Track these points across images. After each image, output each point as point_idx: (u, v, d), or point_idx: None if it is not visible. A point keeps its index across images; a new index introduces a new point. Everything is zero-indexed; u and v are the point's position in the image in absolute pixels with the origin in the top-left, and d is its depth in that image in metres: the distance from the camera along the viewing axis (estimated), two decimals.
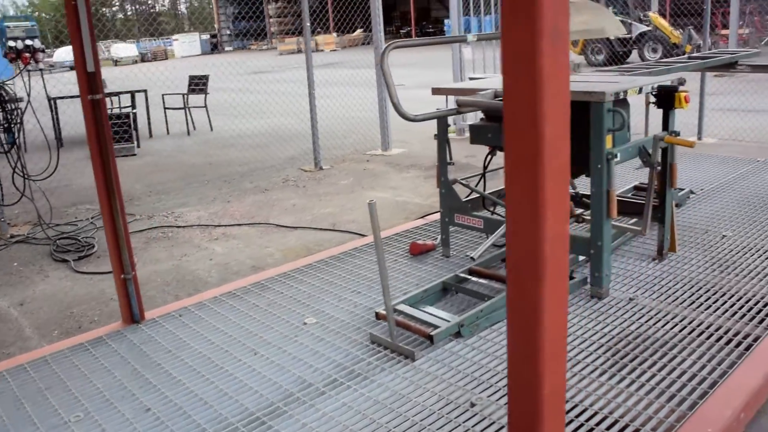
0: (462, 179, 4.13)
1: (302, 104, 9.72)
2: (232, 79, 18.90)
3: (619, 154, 3.29)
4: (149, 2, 51.48)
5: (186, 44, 40.29)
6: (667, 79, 3.59)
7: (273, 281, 4.16)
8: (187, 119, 11.95)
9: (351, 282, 4.01)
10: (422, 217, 5.32)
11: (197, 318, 3.71)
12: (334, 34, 36.34)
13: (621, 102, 3.36)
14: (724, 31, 15.80)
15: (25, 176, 6.11)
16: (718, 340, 2.98)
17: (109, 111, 11.41)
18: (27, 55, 5.83)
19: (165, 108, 12.10)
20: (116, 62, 38.22)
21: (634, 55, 18.31)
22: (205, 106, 12.16)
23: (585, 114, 3.20)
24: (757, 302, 3.30)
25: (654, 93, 3.52)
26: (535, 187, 1.38)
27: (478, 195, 4.07)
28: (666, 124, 3.63)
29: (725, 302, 3.32)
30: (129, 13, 53.25)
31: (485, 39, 3.63)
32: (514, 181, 1.41)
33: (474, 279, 3.57)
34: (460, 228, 4.13)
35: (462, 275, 3.60)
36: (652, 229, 4.05)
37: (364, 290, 3.85)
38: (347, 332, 3.37)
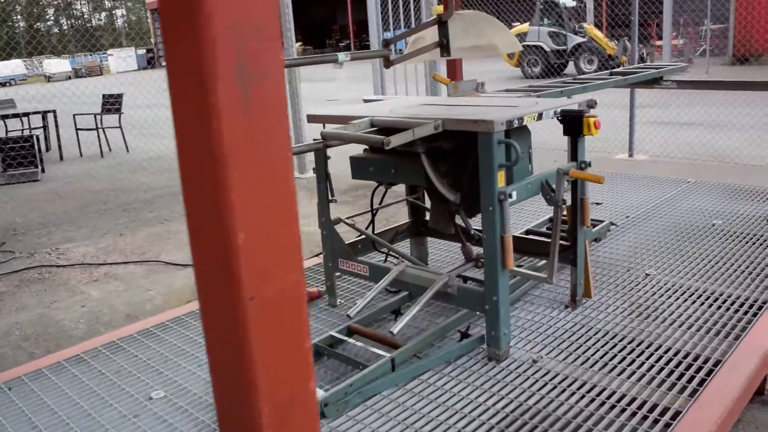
0: (348, 217, 3.59)
1: None
2: (163, 94, 18.07)
3: (515, 193, 2.78)
4: (85, 16, 49.88)
5: (121, 59, 39.05)
6: (573, 102, 3.11)
7: (131, 340, 3.53)
8: (99, 140, 11.15)
9: None
10: (316, 256, 4.75)
11: (27, 392, 3.06)
12: (299, 44, 35.62)
13: (518, 130, 2.86)
14: (658, 42, 15.74)
15: None
16: (632, 415, 2.48)
17: (10, 133, 10.60)
18: None
19: (77, 129, 11.28)
20: (49, 78, 36.79)
21: (571, 66, 18.18)
22: (120, 126, 11.39)
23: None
24: (680, 362, 2.82)
25: (559, 118, 3.03)
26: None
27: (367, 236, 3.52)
28: (574, 154, 3.15)
29: (643, 362, 2.83)
30: (64, 27, 51.64)
31: (359, 59, 3.09)
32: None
33: (352, 341, 3.01)
34: (347, 275, 3.57)
35: (337, 336, 3.04)
36: (563, 272, 3.57)
37: None
38: (196, 411, 2.77)
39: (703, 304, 3.36)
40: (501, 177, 2.74)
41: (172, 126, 0.88)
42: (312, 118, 3.39)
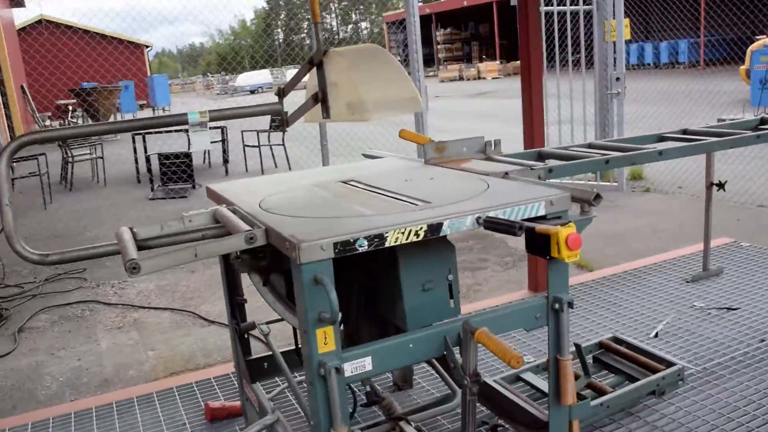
0: (263, 323, 2.64)
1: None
2: None
3: (347, 367, 1.66)
4: (333, 29, 53.11)
5: None
6: (538, 200, 1.86)
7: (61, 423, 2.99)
8: (261, 157, 11.17)
9: None
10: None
11: None
12: (497, 62, 34.57)
13: (419, 250, 1.73)
14: None
15: None
16: None
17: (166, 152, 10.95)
18: None
19: (244, 145, 11.45)
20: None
21: None
22: (283, 144, 11.31)
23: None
24: None
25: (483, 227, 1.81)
26: None
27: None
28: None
29: None
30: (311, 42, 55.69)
31: (220, 119, 2.13)
32: None
33: None
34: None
35: None
36: None
37: None
38: None
39: None
40: (326, 336, 1.63)
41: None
42: (211, 193, 2.53)
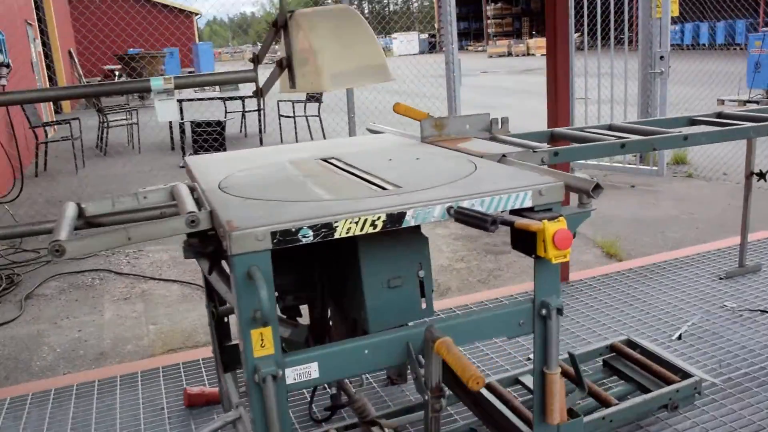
0: None
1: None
2: (416, 81, 17.72)
3: (290, 373, 1.45)
4: (384, 1, 52.47)
5: (405, 43, 40.16)
6: (524, 188, 1.61)
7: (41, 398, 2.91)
8: (296, 129, 11.02)
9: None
10: None
11: None
12: None
13: (382, 241, 1.51)
14: None
15: None
16: None
17: (200, 119, 10.87)
18: None
19: (279, 115, 11.30)
20: None
21: None
22: (318, 115, 11.12)
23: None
24: None
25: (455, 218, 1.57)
26: None
27: None
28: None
29: None
30: (366, 12, 55.13)
31: (185, 87, 1.92)
32: None
33: None
34: None
35: None
36: None
37: None
38: None
39: None
40: (263, 338, 1.42)
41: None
42: (186, 167, 2.33)
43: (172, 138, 11.21)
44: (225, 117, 11.85)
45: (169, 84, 1.94)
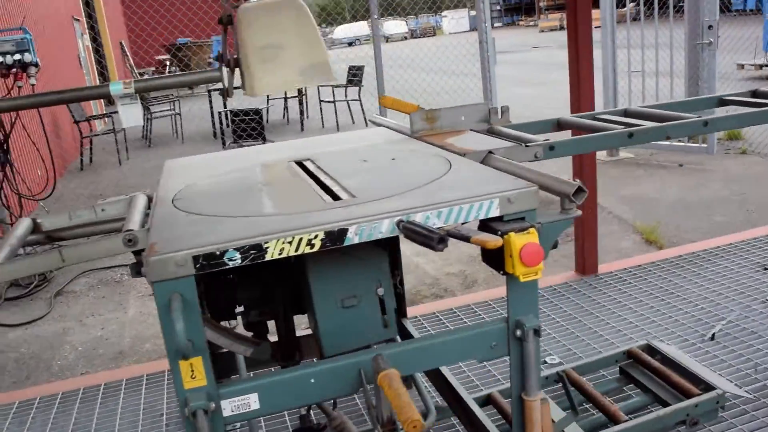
0: None
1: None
2: (457, 62, 17.32)
3: (225, 405, 1.32)
4: None
5: (454, 21, 39.55)
6: (501, 194, 1.43)
7: (47, 403, 2.90)
8: (336, 113, 10.92)
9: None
10: None
11: None
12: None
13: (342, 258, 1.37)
14: None
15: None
16: None
17: (237, 108, 10.83)
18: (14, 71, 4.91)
19: (320, 100, 11.22)
20: (387, 39, 39.13)
21: None
22: (359, 99, 10.98)
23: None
24: None
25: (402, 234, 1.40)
26: None
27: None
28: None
29: None
30: None
31: (147, 90, 1.80)
32: None
33: None
34: None
35: None
36: None
37: None
38: None
39: None
40: (193, 369, 1.30)
41: None
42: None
43: (214, 127, 11.26)
44: (267, 104, 11.82)
45: (129, 88, 1.83)
